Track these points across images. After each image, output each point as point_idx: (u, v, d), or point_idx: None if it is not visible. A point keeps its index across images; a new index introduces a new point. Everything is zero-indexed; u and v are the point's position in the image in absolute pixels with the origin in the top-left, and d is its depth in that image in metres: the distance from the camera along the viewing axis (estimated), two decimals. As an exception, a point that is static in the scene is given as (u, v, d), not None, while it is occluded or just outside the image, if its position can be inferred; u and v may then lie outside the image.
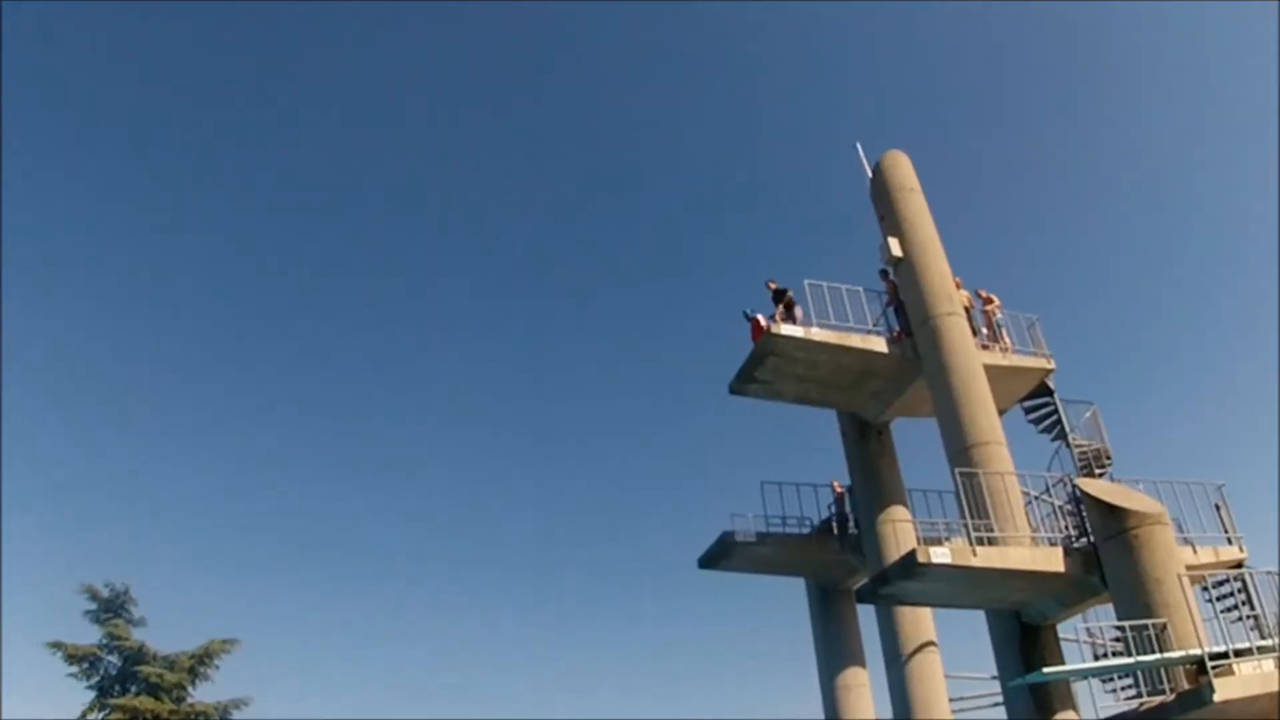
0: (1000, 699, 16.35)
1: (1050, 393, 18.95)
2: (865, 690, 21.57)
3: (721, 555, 21.95)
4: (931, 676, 18.66)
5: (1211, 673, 11.21)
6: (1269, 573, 12.93)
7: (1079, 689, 15.37)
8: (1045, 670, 14.22)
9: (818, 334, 18.81)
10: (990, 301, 19.50)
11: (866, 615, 21.40)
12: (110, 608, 40.03)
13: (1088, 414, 18.43)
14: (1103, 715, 13.03)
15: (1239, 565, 15.43)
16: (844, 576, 22.39)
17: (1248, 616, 13.36)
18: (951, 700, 18.70)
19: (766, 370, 19.72)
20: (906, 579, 14.85)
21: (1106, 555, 14.04)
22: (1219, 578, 15.24)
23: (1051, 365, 19.14)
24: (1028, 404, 19.28)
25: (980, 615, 16.70)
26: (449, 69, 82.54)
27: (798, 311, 19.25)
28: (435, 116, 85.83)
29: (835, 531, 22.19)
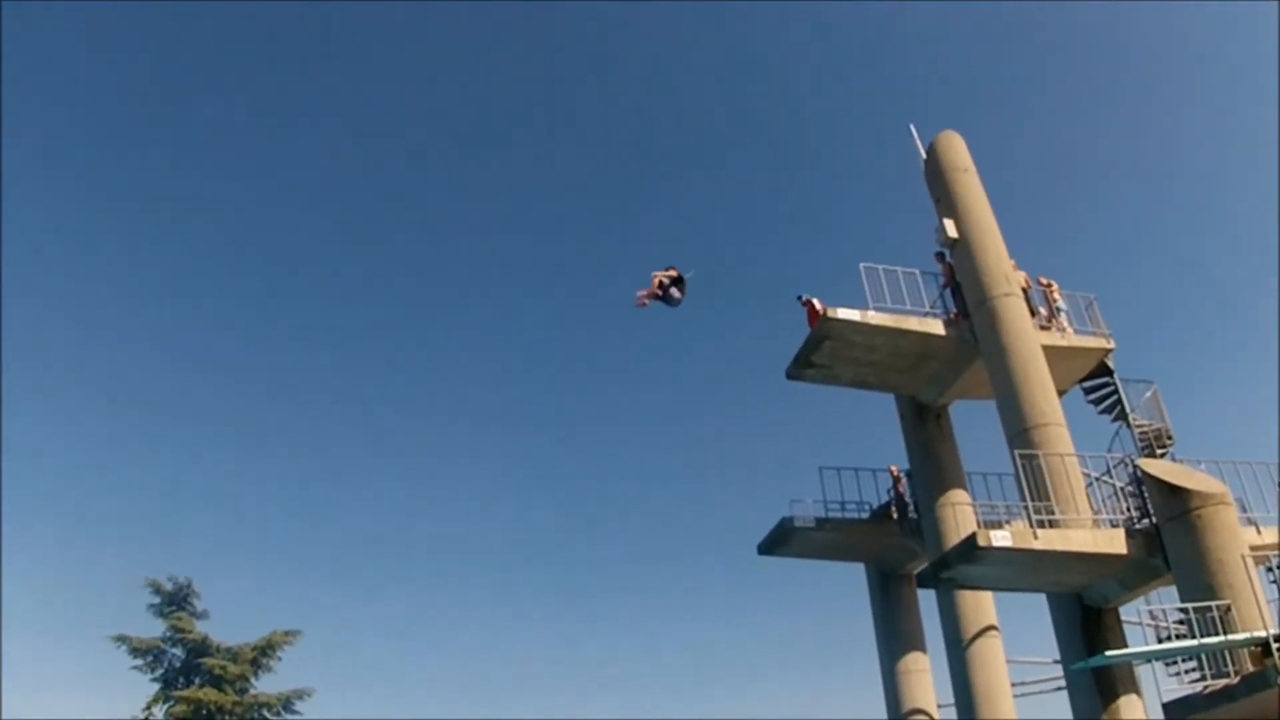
0: (1062, 683, 16.45)
1: (1110, 373, 18.87)
2: (926, 675, 21.76)
3: (780, 541, 22.25)
4: (993, 661, 18.81)
5: (1277, 655, 11.31)
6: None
7: (1142, 672, 15.43)
8: (1108, 654, 14.31)
9: (874, 317, 18.89)
10: (1050, 287, 19.44)
11: (927, 600, 21.59)
12: (174, 601, 41.33)
13: (1148, 394, 18.36)
14: (1166, 699, 13.11)
15: None
16: (903, 561, 22.57)
17: (1311, 597, 13.41)
18: (1013, 685, 18.84)
19: (824, 354, 19.86)
20: (967, 563, 14.99)
21: (1169, 536, 14.11)
22: None
23: (1111, 345, 19.06)
24: (1087, 384, 19.23)
25: (1041, 599, 16.77)
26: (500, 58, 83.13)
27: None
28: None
29: (894, 516, 22.34)
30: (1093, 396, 19.16)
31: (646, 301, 17.32)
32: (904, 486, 22.45)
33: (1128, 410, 18.15)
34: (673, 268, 17.75)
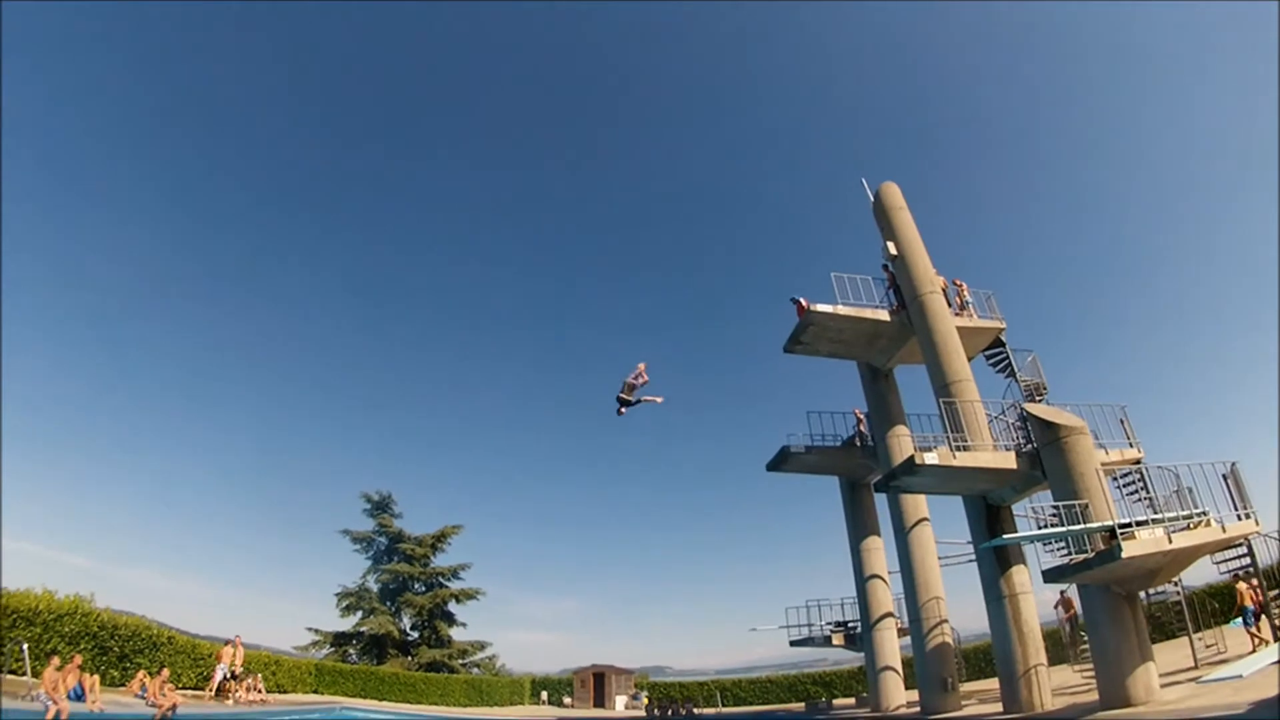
0: (973, 557, 16.54)
1: (1003, 345, 18.84)
2: (880, 552, 21.99)
3: (782, 461, 22.54)
4: (926, 542, 18.93)
5: (1120, 537, 11.46)
6: (1159, 467, 12.93)
7: (1027, 550, 15.58)
8: (1005, 537, 14.42)
9: (842, 309, 19.24)
10: (961, 286, 19.54)
11: (880, 501, 21.87)
12: (379, 506, 42.99)
13: (1030, 359, 18.30)
14: (1045, 567, 13.26)
15: (1137, 462, 15.29)
16: (864, 474, 22.77)
17: (1144, 498, 13.38)
18: (940, 558, 18.97)
19: (809, 335, 20.12)
20: (908, 475, 15.05)
21: (1045, 456, 14.13)
22: (1124, 471, 15.18)
23: (1003, 325, 19.00)
24: (988, 353, 19.21)
25: (958, 500, 16.88)
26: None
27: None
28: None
29: (858, 444, 22.51)
30: (991, 361, 19.15)
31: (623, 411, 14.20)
32: (864, 424, 22.61)
33: (1016, 370, 18.12)
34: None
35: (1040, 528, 14.78)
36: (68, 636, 16.22)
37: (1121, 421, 15.98)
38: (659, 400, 14.34)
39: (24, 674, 13.61)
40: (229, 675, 19.87)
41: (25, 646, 14.26)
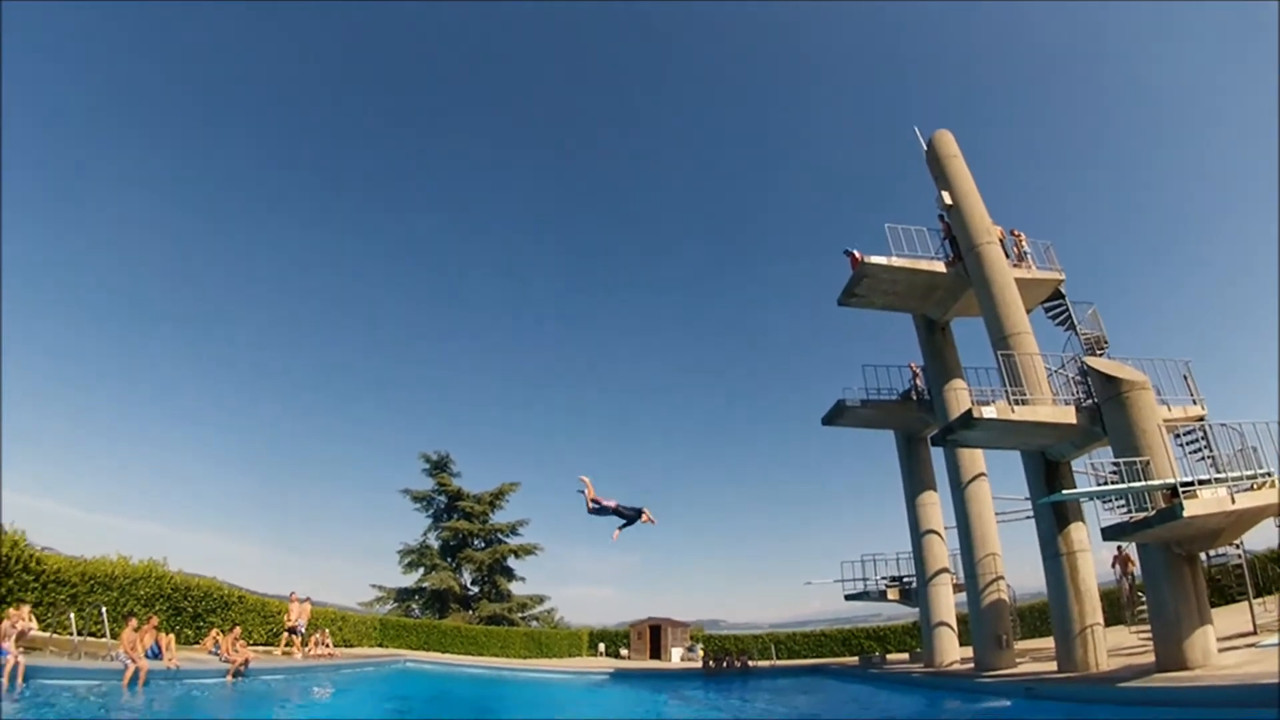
0: (1031, 514, 16.41)
1: (1062, 297, 18.28)
2: (937, 507, 21.94)
3: (837, 415, 22.58)
4: (983, 497, 18.85)
5: (1181, 496, 11.23)
6: (1224, 425, 12.53)
7: (1086, 507, 15.35)
8: (1064, 492, 14.29)
9: (897, 261, 19.03)
10: (1019, 236, 18.96)
11: (937, 455, 21.69)
12: (438, 466, 44.37)
13: (1090, 311, 17.74)
14: (1104, 525, 13.09)
15: (1200, 419, 14.83)
16: (920, 429, 22.62)
17: (1207, 456, 12.98)
18: (996, 514, 18.87)
19: (863, 288, 19.92)
20: (966, 428, 14.82)
21: (1106, 411, 13.82)
22: (1187, 428, 14.73)
23: (1062, 277, 18.41)
24: (1047, 305, 18.68)
25: (1016, 455, 16.68)
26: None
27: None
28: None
29: (914, 398, 22.35)
30: (1051, 314, 18.60)
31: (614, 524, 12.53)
32: (920, 378, 22.39)
33: (1076, 323, 17.60)
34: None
35: (1100, 484, 14.51)
36: (143, 599, 17.51)
37: (1185, 377, 15.46)
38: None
39: (103, 636, 14.77)
40: (290, 630, 21.14)
41: (104, 610, 15.45)
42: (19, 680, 9.83)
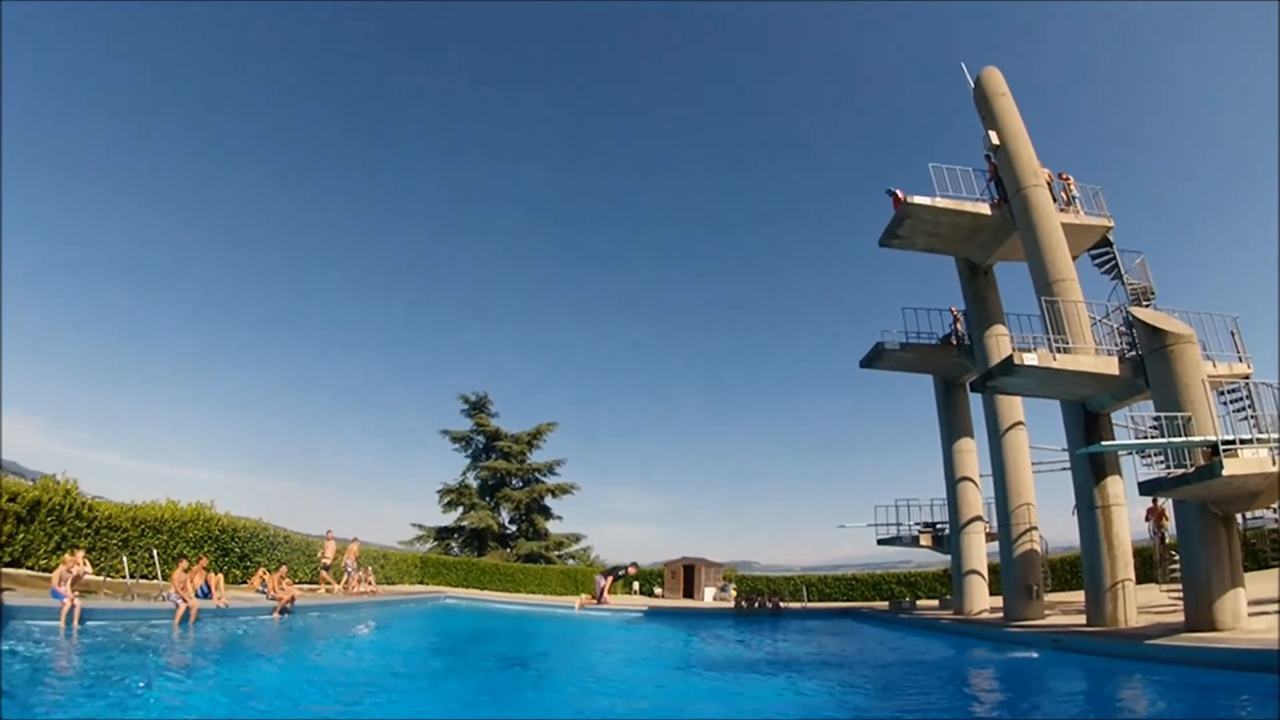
0: (1068, 464, 16.25)
1: (1110, 244, 17.66)
2: (973, 454, 21.87)
3: (876, 358, 22.57)
4: (1020, 446, 18.70)
5: (1221, 454, 11.03)
6: (1268, 384, 12.13)
7: (1124, 461, 15.14)
8: (1103, 444, 14.12)
9: (940, 202, 18.67)
10: (1067, 180, 18.27)
11: (975, 402, 21.54)
12: (476, 407, 45.26)
13: (1138, 260, 17.14)
14: (1141, 479, 12.94)
15: (1246, 378, 14.39)
16: (959, 374, 22.40)
17: (1250, 416, 12.60)
18: (1033, 464, 18.74)
19: (905, 229, 19.63)
20: (1005, 375, 14.70)
21: (1149, 364, 13.48)
22: (1231, 386, 14.27)
23: (1111, 224, 17.75)
24: (1093, 252, 18.08)
25: (1055, 405, 16.46)
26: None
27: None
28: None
29: (954, 343, 22.11)
30: (1097, 261, 18.02)
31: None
32: (961, 322, 22.04)
33: (1123, 272, 17.03)
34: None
35: (1139, 438, 14.29)
36: (192, 541, 18.42)
37: (1232, 334, 14.99)
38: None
39: (155, 577, 15.64)
40: (324, 567, 22.06)
41: (155, 552, 16.32)
42: (75, 622, 10.56)
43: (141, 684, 7.67)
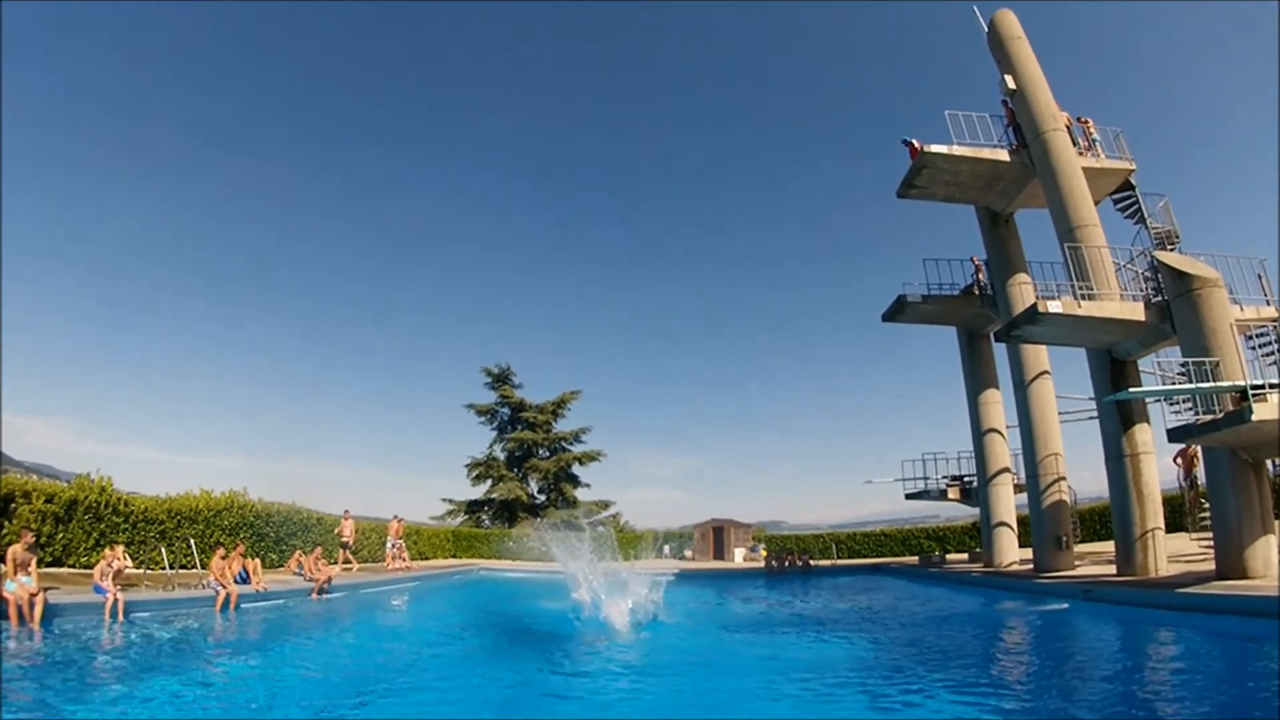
0: (1094, 413, 16.15)
1: (1133, 188, 17.29)
2: (999, 406, 21.82)
3: (898, 311, 22.47)
4: (1045, 396, 18.64)
5: (1251, 398, 10.94)
6: (1297, 327, 12.00)
7: (1151, 409, 15.05)
8: (1130, 390, 14.01)
9: (958, 149, 18.43)
10: (1087, 123, 17.85)
11: (999, 351, 21.41)
12: (500, 379, 45.63)
13: (1161, 204, 16.79)
14: (1170, 426, 12.87)
15: (1274, 321, 14.11)
16: (983, 324, 22.27)
17: (1279, 360, 12.55)
18: (1059, 413, 18.67)
19: (923, 179, 19.39)
20: (1030, 324, 14.57)
21: (1176, 309, 13.30)
22: (1259, 330, 14.09)
23: (1133, 167, 17.35)
24: (1116, 197, 17.72)
25: (1081, 352, 16.32)
26: None
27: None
28: None
29: (976, 293, 21.88)
30: (1120, 206, 17.67)
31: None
32: (983, 272, 21.79)
33: (1146, 216, 16.71)
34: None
35: (1167, 384, 14.16)
36: (227, 528, 18.95)
37: (1260, 277, 14.70)
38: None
39: (194, 566, 16.14)
40: (344, 545, 22.56)
41: (192, 542, 16.83)
42: (120, 615, 10.99)
43: (200, 667, 8.05)
